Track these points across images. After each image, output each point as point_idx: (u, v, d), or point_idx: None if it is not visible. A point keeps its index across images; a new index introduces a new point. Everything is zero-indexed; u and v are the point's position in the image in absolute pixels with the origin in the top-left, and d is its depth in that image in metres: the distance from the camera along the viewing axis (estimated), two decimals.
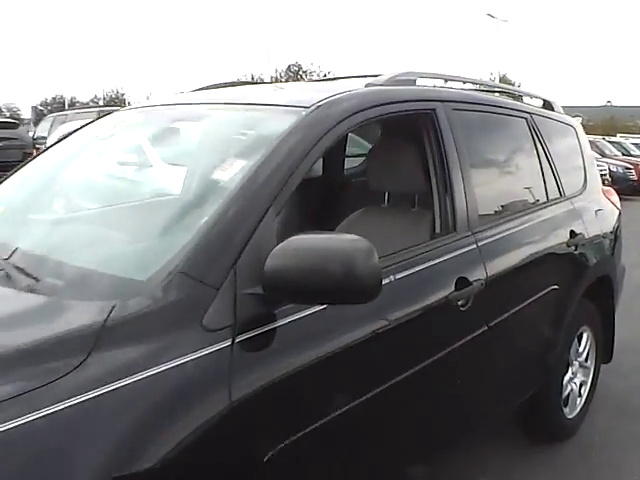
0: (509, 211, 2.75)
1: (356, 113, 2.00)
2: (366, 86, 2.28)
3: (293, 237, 1.59)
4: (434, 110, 2.36)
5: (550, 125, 3.29)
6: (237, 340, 1.51)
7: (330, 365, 1.70)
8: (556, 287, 2.85)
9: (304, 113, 1.94)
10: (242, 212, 1.66)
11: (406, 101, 2.29)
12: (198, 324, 1.48)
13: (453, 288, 2.14)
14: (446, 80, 2.76)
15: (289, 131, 1.85)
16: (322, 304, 1.64)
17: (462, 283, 2.17)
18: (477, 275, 2.27)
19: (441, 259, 2.16)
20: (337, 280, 1.51)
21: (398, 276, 1.96)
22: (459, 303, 2.15)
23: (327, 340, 1.71)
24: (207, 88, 2.76)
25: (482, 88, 3.02)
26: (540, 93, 3.61)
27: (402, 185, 2.52)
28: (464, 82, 2.88)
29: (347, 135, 4.12)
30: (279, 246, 1.57)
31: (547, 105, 3.49)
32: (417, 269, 2.04)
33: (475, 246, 2.33)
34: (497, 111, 2.82)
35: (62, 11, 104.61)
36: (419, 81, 2.49)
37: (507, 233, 2.56)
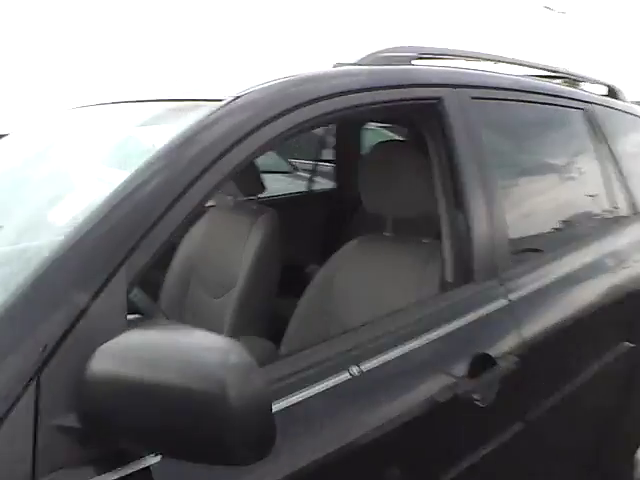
0: (558, 242, 1.93)
1: (300, 106, 1.27)
2: (334, 67, 1.54)
3: (129, 331, 0.88)
4: (440, 100, 1.59)
5: (617, 118, 2.44)
6: None
7: None
8: (630, 344, 2.02)
9: (213, 108, 1.22)
10: (63, 279, 0.95)
11: (391, 87, 1.52)
12: None
13: (465, 373, 1.36)
14: (467, 59, 1.98)
15: (175, 142, 1.14)
16: (172, 456, 0.89)
17: (481, 364, 1.39)
18: (506, 347, 1.48)
19: (445, 329, 1.38)
20: (191, 421, 0.79)
21: (366, 366, 1.20)
22: (475, 397, 1.37)
23: None
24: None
25: (518, 68, 2.19)
26: (603, 78, 2.77)
27: (404, 208, 1.77)
28: (495, 62, 2.08)
29: (357, 134, 3.39)
30: (104, 346, 0.86)
31: (612, 93, 2.64)
32: (401, 351, 1.28)
33: (505, 301, 1.54)
34: (541, 100, 2.00)
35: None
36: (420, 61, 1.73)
37: (555, 277, 1.75)
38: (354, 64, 1.56)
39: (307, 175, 3.86)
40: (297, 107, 1.27)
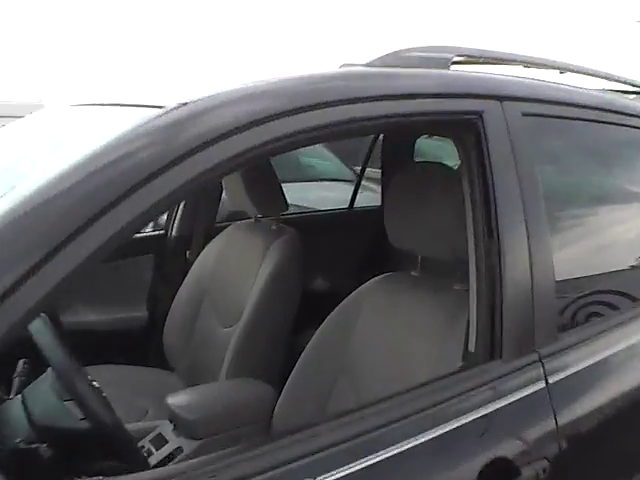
0: (624, 304, 1.54)
1: (268, 120, 0.95)
2: (340, 67, 1.23)
3: None
4: (480, 115, 1.24)
5: None
6: None
7: None
8: None
9: (149, 118, 0.93)
10: None
11: (412, 96, 1.17)
12: None
13: None
14: (525, 66, 1.60)
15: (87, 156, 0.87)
16: None
17: (497, 472, 1.04)
18: (536, 449, 1.11)
19: (451, 424, 1.03)
20: None
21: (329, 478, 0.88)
22: None
23: None
24: None
25: (591, 79, 1.78)
26: None
27: (435, 247, 1.44)
28: (561, 71, 1.69)
29: (409, 146, 2.95)
30: None
31: None
32: (381, 456, 0.94)
33: (542, 385, 1.17)
34: (614, 119, 1.58)
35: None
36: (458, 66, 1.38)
37: (618, 349, 1.36)
38: (365, 65, 1.23)
39: (374, 185, 3.41)
40: (268, 119, 0.96)
